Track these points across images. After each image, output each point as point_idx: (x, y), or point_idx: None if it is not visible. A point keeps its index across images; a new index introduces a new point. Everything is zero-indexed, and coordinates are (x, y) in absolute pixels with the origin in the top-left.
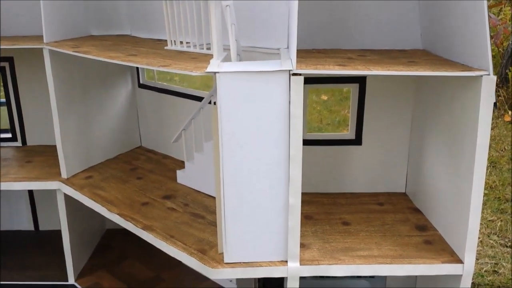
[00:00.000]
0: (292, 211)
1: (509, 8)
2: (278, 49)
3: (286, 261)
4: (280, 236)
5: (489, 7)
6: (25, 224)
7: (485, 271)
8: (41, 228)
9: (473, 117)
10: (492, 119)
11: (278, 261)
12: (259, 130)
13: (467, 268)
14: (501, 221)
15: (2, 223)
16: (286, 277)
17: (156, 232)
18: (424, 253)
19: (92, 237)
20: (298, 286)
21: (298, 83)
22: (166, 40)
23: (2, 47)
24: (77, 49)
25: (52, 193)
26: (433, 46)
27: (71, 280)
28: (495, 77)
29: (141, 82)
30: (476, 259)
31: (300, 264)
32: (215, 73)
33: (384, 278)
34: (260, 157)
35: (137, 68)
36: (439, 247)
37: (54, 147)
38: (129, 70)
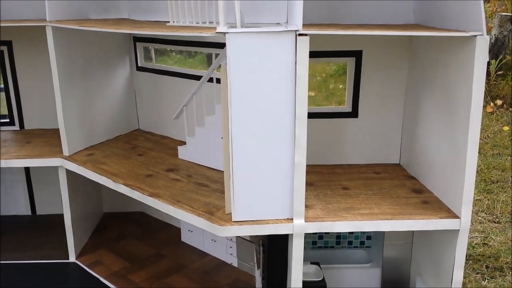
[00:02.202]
0: (298, 169)
1: (489, 5)
2: (278, 23)
3: (292, 219)
4: (286, 194)
5: None
6: (22, 209)
7: (475, 243)
8: (38, 212)
9: (468, 76)
10: None
11: (284, 219)
12: (267, 90)
13: (464, 223)
14: (488, 200)
15: None
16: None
17: (163, 198)
18: (422, 210)
19: (91, 219)
20: (303, 244)
21: (304, 43)
22: (165, 22)
23: (3, 25)
24: (82, 24)
25: (49, 176)
26: (426, 19)
27: (72, 258)
28: (488, 37)
29: (139, 65)
30: None
31: (305, 221)
32: (225, 33)
33: (381, 247)
34: (267, 117)
35: (135, 51)
36: (436, 206)
37: (52, 130)
38: (127, 54)
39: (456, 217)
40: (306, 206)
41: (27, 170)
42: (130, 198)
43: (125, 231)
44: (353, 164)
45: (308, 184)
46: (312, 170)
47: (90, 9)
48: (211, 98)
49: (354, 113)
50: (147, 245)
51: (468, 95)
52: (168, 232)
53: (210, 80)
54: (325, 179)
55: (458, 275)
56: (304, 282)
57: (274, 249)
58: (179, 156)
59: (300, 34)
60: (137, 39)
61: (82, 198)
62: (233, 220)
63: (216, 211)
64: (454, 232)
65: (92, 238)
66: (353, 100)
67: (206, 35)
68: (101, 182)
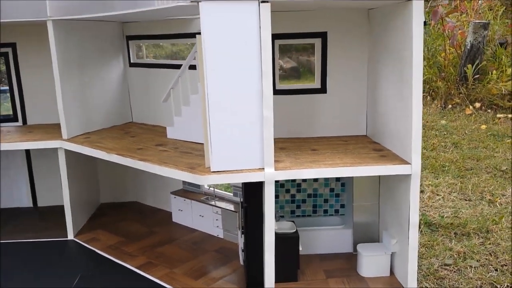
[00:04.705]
0: (266, 122)
1: (465, 15)
2: None
3: (263, 168)
4: (257, 146)
5: (446, 14)
6: (24, 201)
7: (446, 216)
8: (39, 204)
9: (408, 37)
10: (455, 113)
11: (256, 168)
12: (237, 53)
13: (414, 168)
14: (461, 183)
15: (1, 202)
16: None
17: (152, 162)
18: (379, 161)
19: (88, 206)
20: (274, 191)
21: (266, 9)
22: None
23: (8, 21)
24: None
25: (50, 170)
26: None
27: (70, 236)
28: (422, 1)
29: (131, 61)
30: (437, 208)
31: (275, 170)
32: (198, 2)
33: (351, 214)
34: (238, 77)
35: (128, 49)
36: (392, 158)
37: (53, 125)
38: (120, 51)
39: (408, 163)
40: (277, 161)
41: (29, 163)
42: (125, 188)
43: (120, 216)
44: (324, 136)
45: (281, 149)
46: (286, 141)
47: (86, 8)
48: (195, 81)
49: (323, 89)
50: (140, 225)
51: (410, 53)
52: (160, 215)
53: (194, 67)
54: (297, 145)
55: (414, 218)
56: (279, 234)
57: (250, 202)
58: (168, 136)
59: (263, 1)
60: (129, 37)
61: (80, 186)
62: (211, 170)
63: (198, 167)
64: (407, 178)
65: (90, 221)
66: (321, 77)
67: (182, 3)
68: (96, 156)
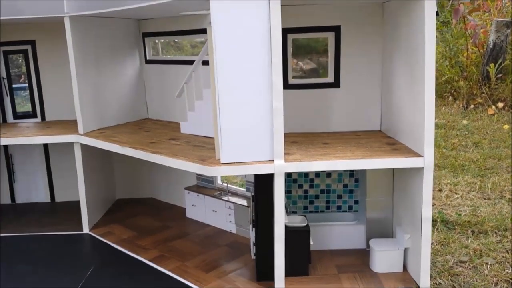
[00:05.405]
0: (276, 113)
1: (488, 14)
2: None
3: (273, 160)
4: (267, 138)
5: (469, 12)
6: (42, 196)
7: (463, 215)
8: (57, 199)
9: (421, 29)
10: (477, 113)
11: (266, 160)
12: (246, 45)
13: (427, 161)
14: (481, 182)
15: (20, 197)
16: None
17: (164, 154)
18: (391, 154)
19: (104, 201)
20: (283, 183)
21: (275, 2)
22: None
23: (21, 17)
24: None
25: (68, 166)
26: None
27: (86, 230)
28: None
29: (147, 58)
30: (455, 206)
31: (285, 162)
32: None
33: (364, 210)
34: (248, 68)
35: (144, 45)
36: (405, 151)
37: (71, 121)
38: (136, 49)
39: (420, 156)
40: (288, 153)
41: (47, 160)
42: (141, 185)
43: (135, 211)
44: (338, 131)
45: (293, 142)
46: (299, 135)
47: (102, 3)
48: (208, 75)
49: (336, 84)
50: (154, 220)
51: (422, 46)
52: (175, 210)
53: (207, 63)
54: (309, 139)
55: (427, 212)
56: (290, 227)
57: (261, 195)
58: (182, 131)
59: None
60: (145, 34)
61: (96, 182)
62: (221, 162)
63: (208, 159)
64: (420, 171)
65: (104, 217)
66: (334, 71)
67: None
68: (110, 149)
